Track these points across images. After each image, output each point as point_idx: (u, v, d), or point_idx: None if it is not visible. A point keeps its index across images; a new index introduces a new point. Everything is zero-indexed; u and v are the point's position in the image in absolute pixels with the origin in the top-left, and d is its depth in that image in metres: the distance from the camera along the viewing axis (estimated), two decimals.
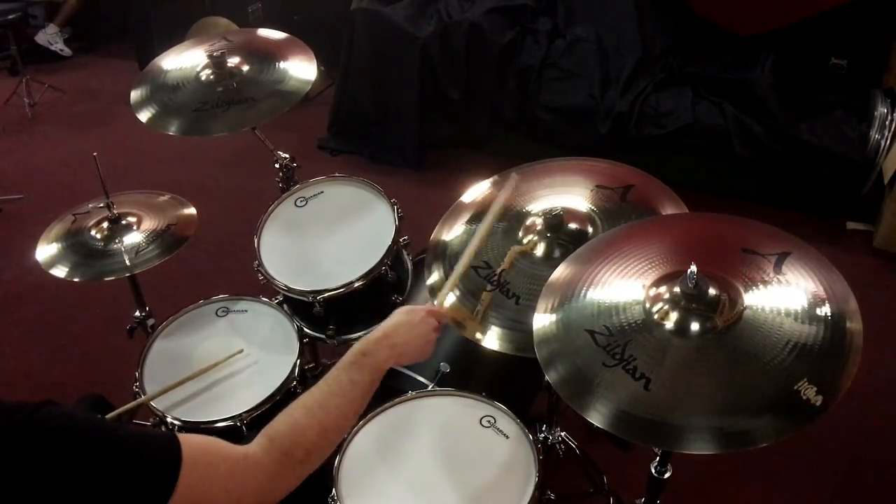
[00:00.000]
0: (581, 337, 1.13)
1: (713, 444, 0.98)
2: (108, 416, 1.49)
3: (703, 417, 1.00)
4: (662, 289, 1.14)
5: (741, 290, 1.11)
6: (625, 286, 1.18)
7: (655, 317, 1.12)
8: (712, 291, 1.10)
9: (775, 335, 1.05)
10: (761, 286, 1.11)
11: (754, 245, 1.18)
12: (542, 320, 1.20)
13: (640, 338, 1.10)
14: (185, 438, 0.86)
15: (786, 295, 1.09)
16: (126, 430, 0.85)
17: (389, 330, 1.17)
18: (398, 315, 1.21)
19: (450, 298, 1.41)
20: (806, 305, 1.07)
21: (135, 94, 1.86)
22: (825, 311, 1.06)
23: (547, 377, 1.12)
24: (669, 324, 1.10)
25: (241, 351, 1.65)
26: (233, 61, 1.88)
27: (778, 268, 1.13)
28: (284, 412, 1.01)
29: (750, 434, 0.97)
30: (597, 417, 1.04)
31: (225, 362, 1.62)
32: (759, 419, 0.98)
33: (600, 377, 1.07)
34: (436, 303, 1.33)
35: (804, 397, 0.97)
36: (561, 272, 1.27)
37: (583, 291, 1.20)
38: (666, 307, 1.12)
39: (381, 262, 1.67)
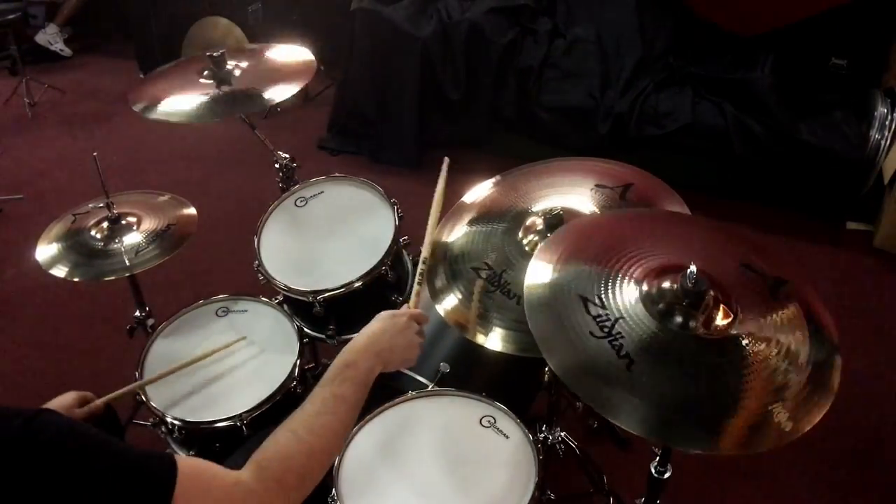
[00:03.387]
0: (574, 300, 1.14)
1: (676, 439, 1.01)
2: (100, 399, 1.48)
3: (670, 409, 1.02)
4: (662, 281, 1.14)
5: (738, 307, 1.12)
6: (628, 270, 1.19)
7: (650, 307, 1.12)
8: (710, 294, 1.10)
9: (762, 357, 1.06)
10: (756, 312, 1.12)
11: (758, 264, 1.19)
12: (540, 270, 1.21)
13: (631, 321, 1.11)
14: (180, 459, 0.86)
15: (778, 324, 1.11)
16: (123, 445, 0.85)
17: (373, 337, 1.13)
18: (381, 320, 1.17)
19: (451, 301, 1.41)
20: (793, 343, 1.08)
21: (136, 107, 1.86)
22: (810, 352, 1.08)
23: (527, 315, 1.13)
24: (664, 316, 1.10)
25: (244, 338, 1.67)
26: (233, 62, 1.89)
27: (775, 292, 1.14)
28: (272, 437, 0.98)
29: (707, 440, 1.00)
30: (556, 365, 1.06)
31: (225, 350, 1.64)
32: (722, 426, 1.00)
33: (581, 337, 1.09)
34: (409, 305, 1.29)
35: (775, 420, 0.98)
36: (567, 230, 1.28)
37: (587, 259, 1.21)
38: (663, 301, 1.12)
39: (381, 262, 1.67)
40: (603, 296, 1.14)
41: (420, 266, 1.39)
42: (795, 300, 1.14)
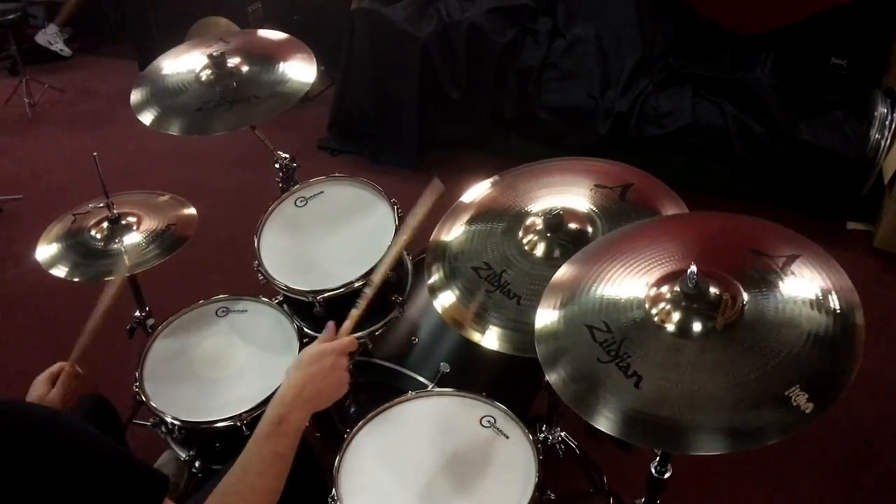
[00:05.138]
0: (581, 332, 1.13)
1: (716, 444, 0.98)
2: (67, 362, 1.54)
3: (707, 416, 1.00)
4: (664, 288, 1.14)
5: (741, 288, 1.11)
6: (627, 284, 1.18)
7: (655, 316, 1.12)
8: (713, 291, 1.10)
9: (773, 338, 1.05)
10: (766, 286, 1.11)
11: (765, 247, 1.18)
12: (545, 317, 1.20)
13: (636, 336, 1.10)
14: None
15: (791, 292, 1.09)
16: (106, 441, 0.89)
17: (300, 387, 1.11)
18: (304, 366, 1.13)
19: (449, 298, 1.41)
20: (810, 309, 1.06)
21: (135, 97, 1.85)
22: (828, 320, 1.05)
23: (548, 378, 1.12)
24: (670, 325, 1.10)
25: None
26: (233, 62, 1.88)
27: (786, 269, 1.13)
28: (216, 494, 1.02)
29: (755, 434, 0.97)
30: (603, 423, 1.05)
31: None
32: (750, 422, 0.99)
33: (604, 380, 1.07)
34: (341, 330, 1.22)
35: (794, 404, 0.97)
36: (566, 270, 1.27)
37: (586, 288, 1.20)
38: (666, 306, 1.11)
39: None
40: (606, 320, 1.13)
41: (365, 290, 1.29)
42: (808, 271, 1.13)
